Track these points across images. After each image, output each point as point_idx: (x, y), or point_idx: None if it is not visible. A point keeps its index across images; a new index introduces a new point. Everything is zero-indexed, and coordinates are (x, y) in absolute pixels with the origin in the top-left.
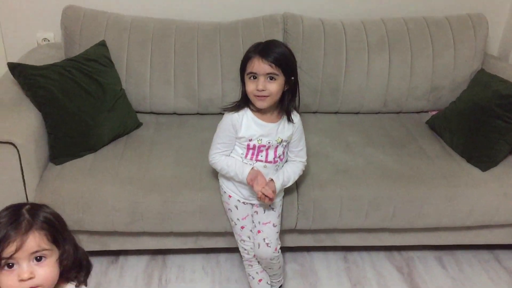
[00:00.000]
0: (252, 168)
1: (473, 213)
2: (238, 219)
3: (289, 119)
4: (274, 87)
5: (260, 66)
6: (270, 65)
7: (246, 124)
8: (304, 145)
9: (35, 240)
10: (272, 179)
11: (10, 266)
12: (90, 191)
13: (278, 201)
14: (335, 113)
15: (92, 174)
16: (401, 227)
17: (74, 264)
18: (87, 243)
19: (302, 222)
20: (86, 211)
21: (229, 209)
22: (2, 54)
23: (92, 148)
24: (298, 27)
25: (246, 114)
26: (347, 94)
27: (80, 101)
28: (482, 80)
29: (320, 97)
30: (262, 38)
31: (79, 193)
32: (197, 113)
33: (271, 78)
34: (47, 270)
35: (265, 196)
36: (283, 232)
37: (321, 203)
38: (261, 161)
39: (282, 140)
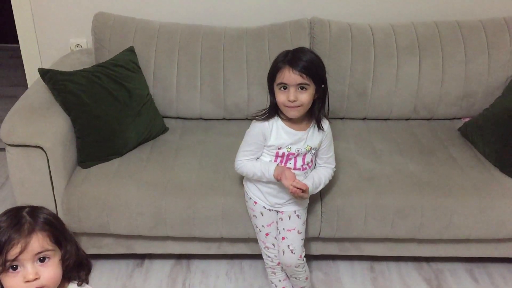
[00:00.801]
0: (277, 164)
1: (505, 225)
2: (263, 226)
3: (319, 127)
4: (306, 97)
5: (290, 76)
6: (300, 75)
7: (275, 132)
8: (333, 151)
9: (38, 241)
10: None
11: (15, 268)
12: (115, 195)
13: (303, 208)
14: (363, 119)
15: (118, 178)
16: (429, 238)
17: (76, 264)
18: (112, 246)
19: (325, 230)
20: (111, 215)
21: (254, 215)
22: (37, 59)
23: (119, 152)
24: (325, 32)
25: (276, 123)
26: (375, 99)
27: (107, 106)
28: None
29: (348, 102)
30: (289, 43)
31: (104, 197)
32: (223, 118)
33: (302, 88)
34: (51, 270)
35: (298, 188)
36: (307, 240)
37: (345, 211)
38: (290, 168)
39: (311, 148)
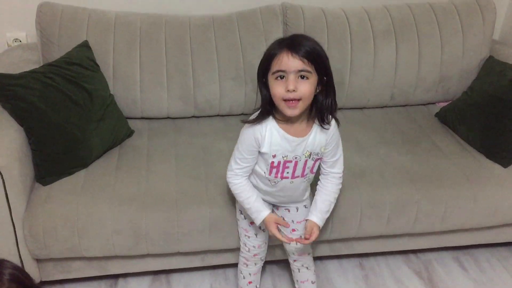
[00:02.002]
0: (269, 214)
1: (497, 213)
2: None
3: (323, 126)
4: (307, 88)
5: (289, 61)
6: (301, 60)
7: (269, 138)
8: (341, 154)
9: None
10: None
11: None
12: (85, 213)
13: (307, 198)
14: (340, 109)
15: (86, 193)
16: (423, 232)
17: None
18: (83, 270)
19: (320, 234)
20: (83, 236)
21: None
22: None
23: (83, 163)
24: (299, 18)
25: (270, 126)
26: (353, 88)
27: (66, 112)
28: (494, 68)
29: None
30: (261, 31)
31: (73, 216)
32: (193, 116)
33: (303, 77)
34: None
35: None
36: None
37: (339, 211)
38: (287, 177)
39: (311, 153)
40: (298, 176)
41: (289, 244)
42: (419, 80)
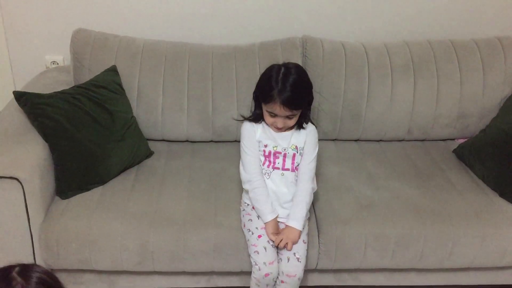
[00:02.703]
0: (273, 220)
1: (507, 253)
2: (256, 228)
3: (301, 127)
4: (293, 122)
5: (281, 111)
6: (290, 110)
7: (261, 130)
8: (315, 159)
9: None
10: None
11: None
12: (97, 228)
13: (306, 219)
14: (356, 140)
15: (100, 209)
16: (430, 268)
17: None
18: (94, 282)
19: (323, 262)
20: (94, 249)
21: (249, 219)
22: (9, 78)
23: (101, 180)
24: (318, 51)
25: (262, 124)
26: (369, 120)
27: (89, 131)
28: None
29: (341, 124)
30: (280, 62)
31: (86, 230)
32: (211, 141)
33: (290, 117)
34: None
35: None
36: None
37: (344, 242)
38: (278, 168)
39: (296, 146)
40: (288, 169)
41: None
42: (436, 116)
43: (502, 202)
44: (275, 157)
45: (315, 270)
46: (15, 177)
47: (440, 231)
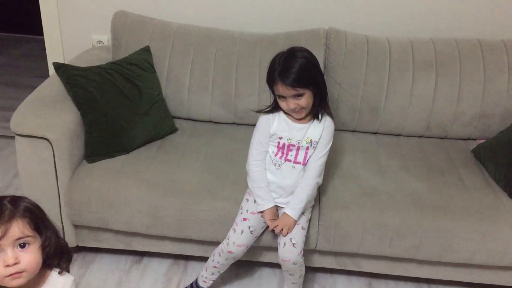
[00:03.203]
0: (271, 208)
1: (508, 254)
2: (247, 210)
3: (318, 118)
4: (304, 101)
5: (284, 90)
6: (292, 88)
7: (277, 122)
8: (325, 155)
9: (18, 227)
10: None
11: None
12: (116, 191)
13: (309, 207)
14: (375, 133)
15: (120, 175)
16: (428, 259)
17: (56, 252)
18: (112, 241)
19: (322, 243)
20: (111, 210)
21: (246, 199)
22: (60, 53)
23: (125, 149)
24: (341, 42)
25: (279, 115)
26: (387, 114)
27: (117, 103)
28: None
29: (359, 115)
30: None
31: (105, 192)
32: (233, 123)
33: (298, 96)
34: (31, 256)
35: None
36: (304, 252)
37: (342, 225)
38: (290, 160)
39: (311, 140)
40: (299, 162)
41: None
42: (457, 114)
43: (509, 203)
44: (289, 149)
45: (315, 251)
46: (46, 137)
47: (439, 224)
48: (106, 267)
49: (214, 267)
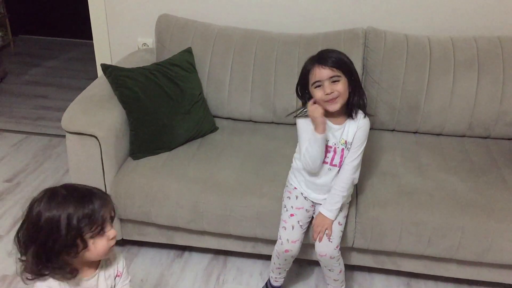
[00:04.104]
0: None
1: None
2: (292, 207)
3: (352, 116)
4: (340, 87)
5: (321, 72)
6: (330, 69)
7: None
8: (360, 155)
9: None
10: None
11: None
12: (158, 186)
13: (346, 203)
14: (414, 132)
15: (163, 171)
16: (468, 260)
17: None
18: (155, 235)
19: (359, 241)
20: (154, 204)
21: (288, 197)
22: (107, 55)
23: (167, 147)
24: (380, 42)
25: None
26: (427, 113)
27: (160, 103)
28: None
29: (398, 115)
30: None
31: (149, 187)
32: (272, 122)
33: (335, 81)
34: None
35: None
36: (341, 250)
37: (380, 223)
38: (326, 163)
39: (346, 141)
40: (336, 165)
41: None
42: (500, 113)
43: None
44: (326, 151)
45: (352, 249)
46: (94, 135)
47: (480, 224)
48: (149, 260)
49: (278, 268)
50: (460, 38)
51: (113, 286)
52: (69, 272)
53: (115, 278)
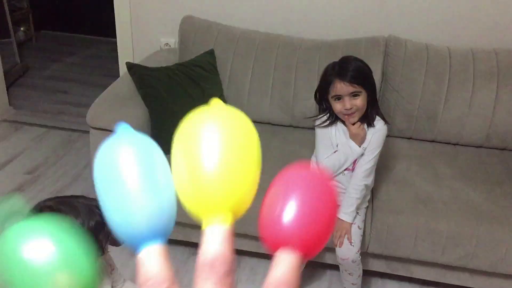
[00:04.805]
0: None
1: None
2: None
3: (370, 124)
4: (360, 102)
5: (342, 88)
6: (351, 85)
7: (335, 132)
8: (374, 159)
9: None
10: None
11: None
12: None
13: (363, 208)
14: (431, 141)
15: None
16: (482, 270)
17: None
18: (172, 233)
19: (374, 246)
20: None
21: None
22: (130, 54)
23: None
24: (401, 50)
25: (336, 127)
26: (445, 122)
27: (181, 102)
28: None
29: (416, 123)
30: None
31: None
32: (290, 125)
33: (355, 96)
34: None
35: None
36: None
37: (395, 229)
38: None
39: (365, 148)
40: (349, 169)
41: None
42: None
43: None
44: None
45: (367, 254)
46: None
47: (495, 234)
48: None
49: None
50: (480, 50)
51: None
52: None
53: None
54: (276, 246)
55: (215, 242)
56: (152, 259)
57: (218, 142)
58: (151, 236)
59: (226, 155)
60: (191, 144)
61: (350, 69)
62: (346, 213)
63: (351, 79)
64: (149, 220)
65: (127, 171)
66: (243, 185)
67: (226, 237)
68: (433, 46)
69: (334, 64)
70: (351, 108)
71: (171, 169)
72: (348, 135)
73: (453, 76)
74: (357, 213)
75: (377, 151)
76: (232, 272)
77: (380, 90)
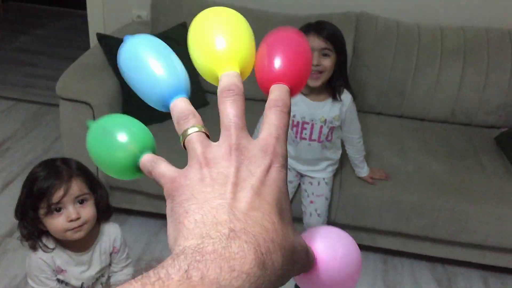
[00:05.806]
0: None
1: None
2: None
3: (336, 97)
4: (328, 63)
5: (315, 41)
6: (325, 41)
7: (292, 101)
8: (357, 127)
9: (77, 186)
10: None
11: (58, 210)
12: None
13: (331, 176)
14: (400, 116)
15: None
16: (443, 238)
17: (104, 207)
18: (143, 204)
19: (341, 217)
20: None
21: None
22: (101, 26)
23: (158, 119)
24: (371, 26)
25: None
26: (413, 98)
27: None
28: None
29: (385, 98)
30: None
31: None
32: (262, 100)
33: (325, 55)
34: (90, 210)
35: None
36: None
37: (361, 200)
38: (305, 139)
39: (326, 120)
40: (315, 140)
41: None
42: (482, 102)
43: None
44: (303, 127)
45: (334, 225)
46: (88, 102)
47: (455, 205)
48: (137, 229)
49: None
50: (449, 27)
51: (108, 263)
52: (38, 236)
53: (110, 254)
54: (270, 85)
55: (230, 75)
56: (183, 101)
57: (225, 20)
58: (178, 91)
59: (232, 25)
60: (204, 22)
61: (328, 27)
62: (362, 171)
63: (326, 35)
64: (173, 81)
65: (149, 53)
66: (246, 47)
67: (239, 76)
68: (404, 23)
69: (310, 23)
70: (318, 66)
71: (189, 44)
72: (310, 105)
73: (422, 53)
74: (326, 182)
75: (354, 122)
76: (244, 97)
77: (351, 65)
